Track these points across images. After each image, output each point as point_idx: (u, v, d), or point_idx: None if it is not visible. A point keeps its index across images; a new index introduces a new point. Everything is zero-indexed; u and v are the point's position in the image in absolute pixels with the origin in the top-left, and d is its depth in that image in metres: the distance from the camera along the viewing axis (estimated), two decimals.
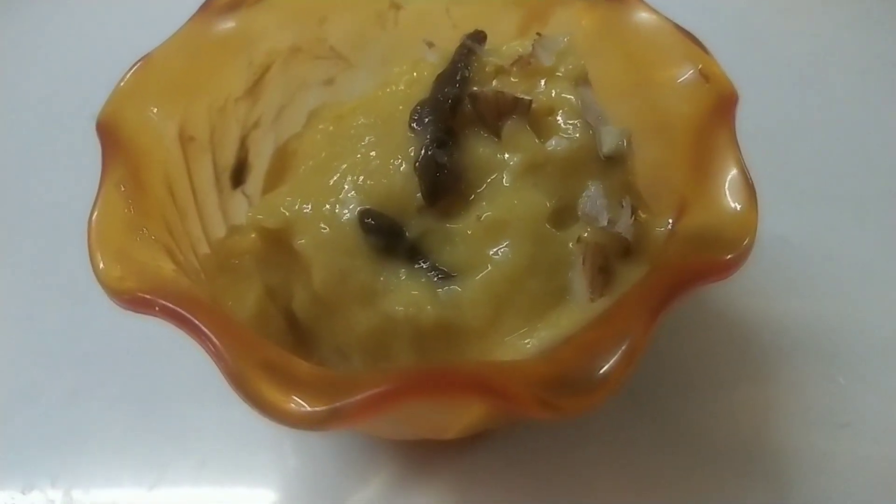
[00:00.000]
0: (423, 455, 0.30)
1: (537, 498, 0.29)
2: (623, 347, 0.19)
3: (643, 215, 0.25)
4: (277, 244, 0.26)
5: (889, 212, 0.37)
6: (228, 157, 0.30)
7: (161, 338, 0.32)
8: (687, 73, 0.27)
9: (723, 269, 0.21)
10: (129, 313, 0.21)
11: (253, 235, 0.27)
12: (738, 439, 0.30)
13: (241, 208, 0.30)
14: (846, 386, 0.32)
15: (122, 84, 0.26)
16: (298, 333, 0.27)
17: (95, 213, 0.22)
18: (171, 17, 0.28)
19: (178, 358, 0.31)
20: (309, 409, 0.19)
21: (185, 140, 0.27)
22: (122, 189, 0.23)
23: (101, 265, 0.21)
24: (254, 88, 0.30)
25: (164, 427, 0.31)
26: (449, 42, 0.28)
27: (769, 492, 0.29)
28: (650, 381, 0.31)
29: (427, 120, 0.24)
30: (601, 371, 0.19)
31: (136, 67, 0.26)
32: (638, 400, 0.31)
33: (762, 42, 0.46)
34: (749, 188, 0.23)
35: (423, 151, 0.24)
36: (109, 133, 0.24)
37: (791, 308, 0.34)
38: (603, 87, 0.28)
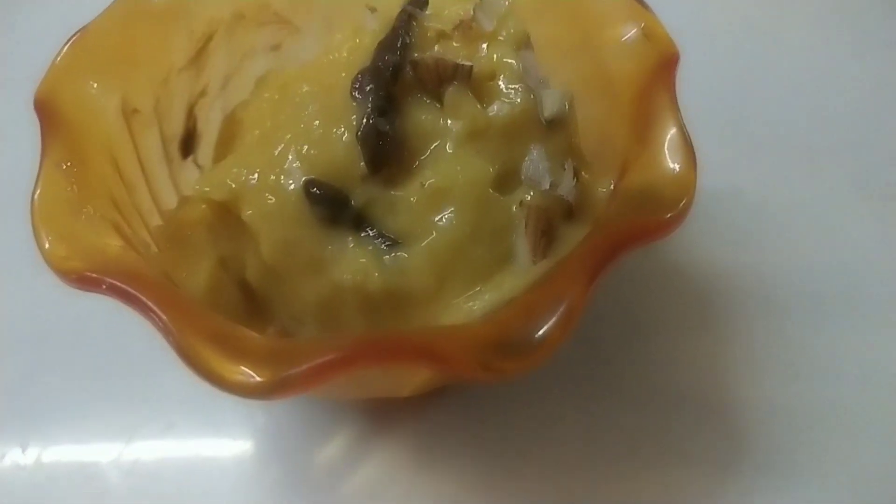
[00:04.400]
0: (385, 410, 0.30)
1: (498, 448, 0.30)
2: (561, 310, 0.20)
3: (586, 176, 0.26)
4: (227, 215, 0.26)
5: (837, 162, 0.38)
6: (176, 128, 0.29)
7: (117, 307, 0.33)
8: (630, 33, 0.27)
9: (660, 230, 0.22)
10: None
11: (203, 206, 0.27)
12: (689, 389, 0.31)
13: (193, 178, 0.30)
14: (794, 335, 0.32)
15: (58, 59, 0.25)
16: (254, 302, 0.27)
17: (38, 193, 0.22)
18: None
19: (137, 325, 0.32)
20: (257, 379, 0.19)
21: (128, 113, 0.27)
22: (64, 167, 0.23)
23: (47, 245, 0.21)
24: (197, 58, 0.29)
25: (130, 393, 0.32)
26: (392, 3, 0.28)
27: (721, 440, 0.30)
28: (604, 331, 0.32)
29: (368, 88, 0.24)
30: (539, 333, 0.20)
31: (71, 41, 0.25)
32: (592, 350, 0.32)
33: None
34: (688, 149, 0.23)
35: (364, 120, 0.24)
36: (48, 110, 0.24)
37: (742, 259, 0.35)
38: (546, 48, 0.28)
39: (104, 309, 0.32)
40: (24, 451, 0.30)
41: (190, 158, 0.30)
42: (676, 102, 0.24)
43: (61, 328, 0.33)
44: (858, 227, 0.36)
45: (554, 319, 0.20)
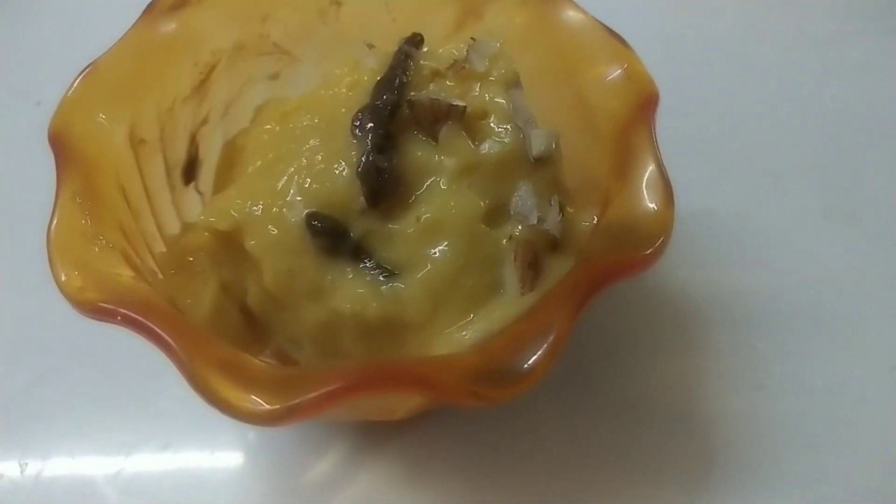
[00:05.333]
0: (376, 431, 0.32)
1: (484, 464, 0.31)
2: (547, 341, 0.21)
3: (570, 210, 0.27)
4: (229, 243, 0.27)
5: (803, 185, 0.39)
6: (179, 155, 0.31)
7: (116, 327, 0.34)
8: (613, 73, 0.28)
9: (639, 265, 0.23)
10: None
11: (206, 234, 0.28)
12: (664, 404, 0.32)
13: (194, 204, 0.31)
14: (762, 351, 0.34)
15: (69, 93, 0.26)
16: (254, 325, 0.29)
17: (54, 225, 0.24)
18: (116, 23, 0.29)
19: (133, 344, 0.33)
20: (266, 407, 0.21)
21: (135, 143, 0.28)
22: (78, 200, 0.24)
23: (63, 277, 0.23)
24: (200, 87, 0.31)
25: (127, 411, 0.33)
26: (388, 34, 0.29)
27: (692, 453, 0.31)
28: (583, 351, 0.33)
29: (368, 126, 0.26)
30: (528, 364, 0.21)
31: (83, 75, 0.27)
32: (572, 369, 0.33)
33: (687, 13, 0.47)
34: (666, 188, 0.25)
35: (364, 157, 0.25)
36: (61, 144, 0.25)
37: (712, 278, 0.36)
38: (533, 80, 0.29)
39: (102, 328, 0.34)
40: (21, 469, 0.31)
41: (192, 185, 0.32)
42: (655, 141, 0.26)
43: (59, 347, 0.34)
44: (823, 247, 0.37)
45: (541, 350, 0.21)
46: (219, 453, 0.32)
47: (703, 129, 0.41)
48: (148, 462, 0.32)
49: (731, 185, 0.40)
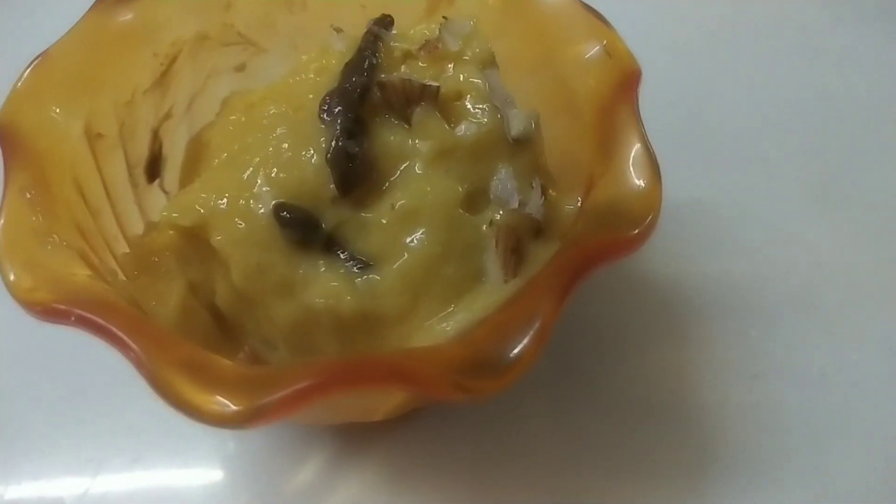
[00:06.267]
0: (357, 434, 0.30)
1: (470, 464, 0.30)
2: (533, 329, 0.20)
3: (553, 193, 0.26)
4: (195, 240, 0.26)
5: (792, 171, 0.39)
6: (141, 152, 0.29)
7: (80, 336, 0.32)
8: (592, 50, 0.27)
9: (627, 246, 0.22)
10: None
11: (171, 232, 0.27)
12: (656, 396, 0.31)
13: (159, 203, 0.30)
14: (757, 339, 0.33)
15: (19, 84, 0.25)
16: (225, 327, 0.27)
17: (1, 222, 0.22)
18: (69, 12, 0.27)
19: (103, 354, 0.31)
20: (233, 408, 0.19)
21: (92, 138, 0.26)
22: (28, 196, 0.23)
23: (12, 277, 0.21)
24: (162, 79, 0.29)
25: (94, 426, 0.31)
26: (358, 23, 0.28)
27: (688, 445, 0.30)
28: (570, 344, 0.32)
29: (336, 110, 0.24)
30: (514, 352, 0.20)
31: (32, 66, 0.25)
32: (563, 365, 0.32)
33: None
34: (652, 165, 0.24)
35: (333, 143, 0.24)
36: (10, 137, 0.24)
37: (702, 268, 0.36)
38: (510, 65, 0.28)
39: (65, 339, 0.32)
40: None
41: (156, 183, 0.30)
42: (640, 119, 0.25)
43: (21, 360, 0.32)
44: (812, 232, 0.37)
45: (527, 338, 0.20)
46: (194, 466, 0.30)
47: (686, 118, 0.41)
48: (118, 479, 0.30)
49: (717, 173, 0.39)
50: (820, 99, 0.42)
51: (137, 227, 0.28)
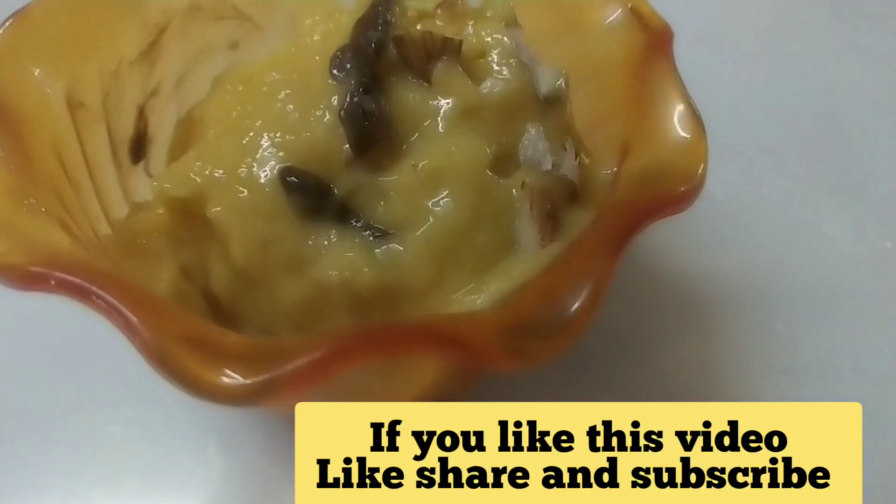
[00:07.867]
0: None
1: None
2: (588, 287, 0.18)
3: (586, 160, 0.24)
4: (189, 217, 0.23)
5: (805, 160, 0.38)
6: (125, 129, 0.27)
7: (59, 342, 0.29)
8: (615, 13, 0.25)
9: (679, 201, 0.20)
10: (24, 295, 0.18)
11: (160, 211, 0.24)
12: (686, 394, 0.30)
13: (144, 187, 0.27)
14: (783, 332, 0.32)
15: None
16: (220, 315, 0.24)
17: None
18: None
19: (80, 363, 0.29)
20: (242, 381, 0.17)
21: (73, 106, 0.24)
22: (1, 154, 0.20)
23: None
24: (150, 51, 0.27)
25: (70, 442, 0.28)
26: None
27: None
28: (591, 345, 0.30)
29: (349, 66, 0.22)
30: (571, 311, 0.17)
31: (11, 20, 0.23)
32: (583, 363, 0.30)
33: None
34: (695, 117, 0.22)
35: (347, 98, 0.22)
36: None
37: (724, 262, 0.34)
38: (531, 34, 0.26)
39: (42, 342, 0.29)
40: None
41: (140, 165, 0.27)
42: (678, 75, 0.23)
43: None
44: (830, 224, 0.36)
45: (583, 296, 0.17)
46: (178, 485, 0.27)
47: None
48: (95, 499, 0.27)
49: (729, 166, 0.38)
50: (831, 89, 0.41)
51: (120, 211, 0.26)
